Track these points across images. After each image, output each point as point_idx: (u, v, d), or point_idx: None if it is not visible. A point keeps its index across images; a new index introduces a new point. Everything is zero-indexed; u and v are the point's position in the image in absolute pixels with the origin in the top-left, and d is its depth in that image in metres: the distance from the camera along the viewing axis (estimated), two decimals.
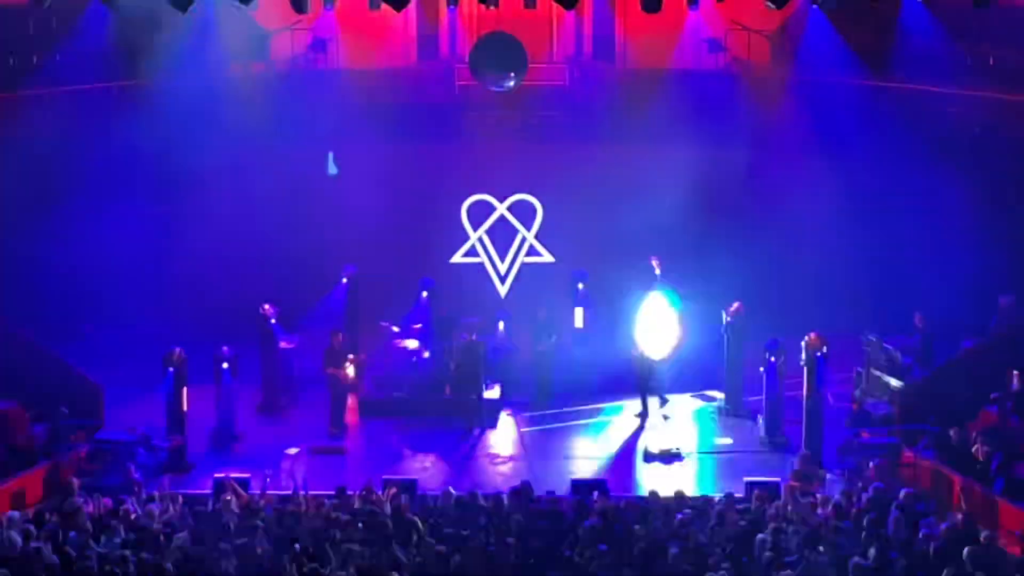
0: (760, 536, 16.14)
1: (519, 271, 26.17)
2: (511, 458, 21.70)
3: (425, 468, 21.12)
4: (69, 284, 24.94)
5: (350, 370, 22.61)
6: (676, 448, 21.53)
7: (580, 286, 24.64)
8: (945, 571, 14.92)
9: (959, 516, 16.80)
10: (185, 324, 24.33)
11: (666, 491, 18.17)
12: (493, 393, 23.17)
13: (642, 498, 18.23)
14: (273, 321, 22.96)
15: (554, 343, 23.66)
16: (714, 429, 22.63)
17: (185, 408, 21.12)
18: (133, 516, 17.28)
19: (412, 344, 23.65)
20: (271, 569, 15.60)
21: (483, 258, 25.95)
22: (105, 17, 23.28)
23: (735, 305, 22.87)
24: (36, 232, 24.40)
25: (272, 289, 24.03)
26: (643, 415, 22.92)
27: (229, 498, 17.65)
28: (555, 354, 23.76)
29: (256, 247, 25.63)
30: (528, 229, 25.76)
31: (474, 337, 22.88)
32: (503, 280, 25.90)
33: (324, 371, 22.55)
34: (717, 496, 18.36)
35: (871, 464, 19.27)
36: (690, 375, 23.99)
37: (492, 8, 23.89)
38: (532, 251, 25.83)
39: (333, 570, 15.46)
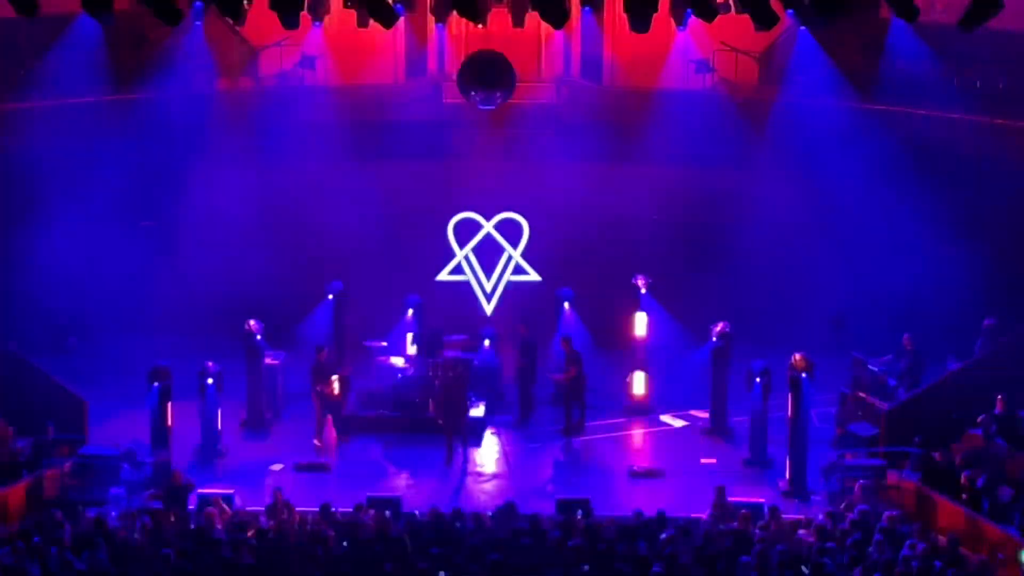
0: (744, 558, 16.14)
1: (505, 289, 26.16)
2: (495, 476, 21.68)
3: (409, 486, 21.08)
4: (54, 298, 24.80)
5: (335, 387, 22.58)
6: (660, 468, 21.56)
7: (566, 305, 24.63)
8: None
9: (942, 538, 16.82)
10: (170, 339, 24.27)
11: (650, 511, 18.15)
12: (478, 411, 23.13)
13: (626, 518, 18.21)
14: (258, 337, 22.91)
15: (534, 363, 23.67)
16: (698, 449, 22.63)
17: (170, 423, 21.07)
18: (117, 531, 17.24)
19: (397, 361, 23.63)
20: None
21: (469, 276, 25.94)
22: (94, 30, 23.28)
23: (720, 325, 22.87)
24: (22, 244, 24.31)
25: (258, 305, 23.97)
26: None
27: (212, 512, 17.61)
28: (536, 373, 23.77)
29: (242, 263, 25.57)
30: (514, 247, 25.75)
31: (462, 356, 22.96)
32: (489, 298, 25.88)
33: (312, 387, 22.52)
34: (701, 516, 18.36)
35: (856, 486, 19.28)
36: (675, 395, 24.02)
37: (480, 26, 23.94)
38: (518, 269, 25.82)
39: None
